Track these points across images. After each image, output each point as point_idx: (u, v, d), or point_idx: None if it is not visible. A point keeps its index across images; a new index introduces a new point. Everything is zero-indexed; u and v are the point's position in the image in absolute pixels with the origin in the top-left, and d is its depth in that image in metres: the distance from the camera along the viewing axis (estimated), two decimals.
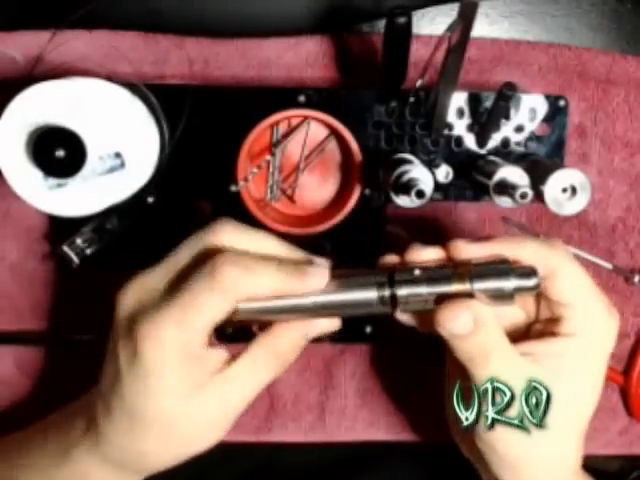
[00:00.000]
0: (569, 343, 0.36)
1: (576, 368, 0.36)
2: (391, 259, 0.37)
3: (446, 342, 0.35)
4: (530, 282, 0.34)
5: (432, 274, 0.34)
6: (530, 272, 0.34)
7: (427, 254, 0.36)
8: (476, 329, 0.34)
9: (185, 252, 0.35)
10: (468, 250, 0.35)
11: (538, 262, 0.35)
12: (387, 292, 0.34)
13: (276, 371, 0.35)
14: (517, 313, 0.39)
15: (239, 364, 0.34)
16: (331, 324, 0.36)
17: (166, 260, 0.35)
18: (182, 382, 0.33)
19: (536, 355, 0.35)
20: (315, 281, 0.34)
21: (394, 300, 0.34)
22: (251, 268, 0.33)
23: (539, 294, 0.37)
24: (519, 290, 0.34)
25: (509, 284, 0.34)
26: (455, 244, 0.35)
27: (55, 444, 0.38)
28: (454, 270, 0.35)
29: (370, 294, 0.34)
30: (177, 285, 0.33)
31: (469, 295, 0.34)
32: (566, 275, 0.36)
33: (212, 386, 0.34)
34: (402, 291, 0.34)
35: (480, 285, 0.34)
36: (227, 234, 0.34)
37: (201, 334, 0.33)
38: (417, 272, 0.34)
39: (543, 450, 0.36)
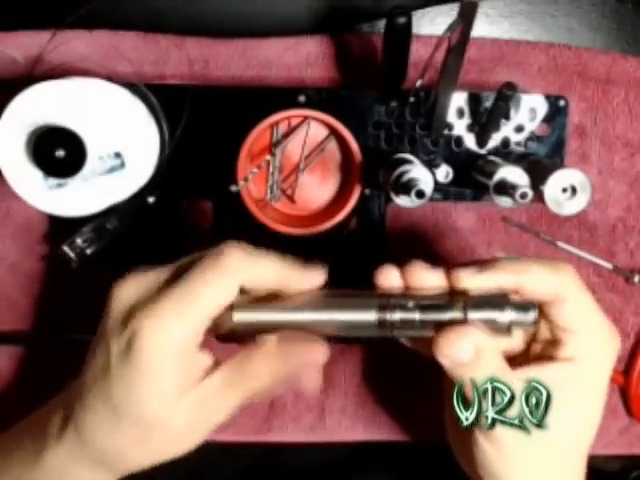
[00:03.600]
0: (569, 370, 0.35)
1: (576, 395, 0.35)
2: (390, 275, 0.35)
3: (445, 370, 0.34)
4: (527, 317, 0.33)
5: (426, 302, 0.34)
6: (528, 306, 0.34)
7: (428, 279, 0.35)
8: (477, 358, 0.33)
9: (188, 259, 0.35)
10: (471, 281, 0.34)
11: (543, 288, 0.34)
12: (384, 316, 0.34)
13: (252, 391, 0.34)
14: (516, 332, 0.38)
15: (214, 379, 0.34)
16: (319, 354, 0.34)
17: (167, 265, 0.35)
18: (171, 383, 0.33)
19: (543, 382, 0.34)
20: (314, 277, 0.34)
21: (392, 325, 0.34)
22: (255, 254, 0.33)
23: (541, 314, 0.35)
24: (516, 324, 0.33)
25: (505, 317, 0.33)
26: (457, 274, 0.34)
27: (31, 443, 0.37)
28: (450, 298, 0.34)
29: (369, 316, 0.34)
30: (179, 277, 0.33)
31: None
32: (572, 302, 0.35)
33: (193, 394, 0.33)
34: (395, 316, 0.34)
35: (475, 316, 0.33)
36: (235, 259, 0.34)
37: (201, 325, 0.32)
38: (410, 300, 0.34)
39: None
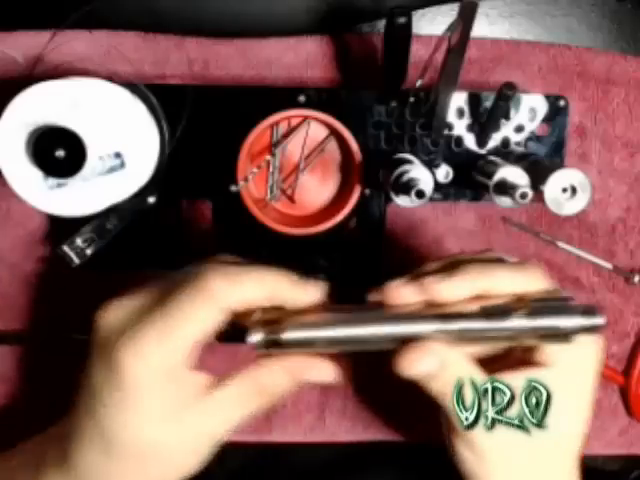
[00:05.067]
0: (549, 374, 0.34)
1: (559, 400, 0.34)
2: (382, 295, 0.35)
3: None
4: (596, 321, 0.32)
5: (489, 309, 0.33)
6: (594, 311, 0.32)
7: (405, 295, 0.33)
8: (442, 369, 0.33)
9: (172, 280, 0.34)
10: (440, 290, 0.33)
11: (511, 289, 0.33)
12: (446, 326, 0.33)
13: (261, 406, 0.34)
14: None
15: (224, 393, 0.33)
16: (325, 375, 0.34)
17: (149, 285, 0.34)
18: (161, 404, 0.32)
19: (514, 387, 0.34)
20: (310, 293, 0.34)
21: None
22: (236, 276, 0.32)
23: None
24: (582, 330, 0.32)
25: (571, 323, 0.32)
26: (427, 284, 0.33)
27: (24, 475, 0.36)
28: (513, 305, 0.33)
29: (430, 327, 0.33)
30: (159, 302, 0.32)
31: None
32: None
33: (191, 412, 0.32)
34: (456, 325, 0.33)
35: (540, 323, 0.32)
36: (215, 285, 0.32)
37: (185, 350, 0.32)
38: (474, 307, 0.33)
39: None
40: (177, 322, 0.31)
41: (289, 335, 0.33)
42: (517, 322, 0.32)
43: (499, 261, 0.36)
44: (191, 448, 0.33)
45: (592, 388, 0.36)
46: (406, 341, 0.33)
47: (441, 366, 0.33)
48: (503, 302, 0.33)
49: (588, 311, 0.32)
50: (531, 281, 0.34)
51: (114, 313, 0.33)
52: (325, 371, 0.34)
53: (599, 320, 0.32)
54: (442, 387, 0.33)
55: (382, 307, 0.34)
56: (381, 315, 0.34)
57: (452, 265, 0.34)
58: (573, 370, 0.35)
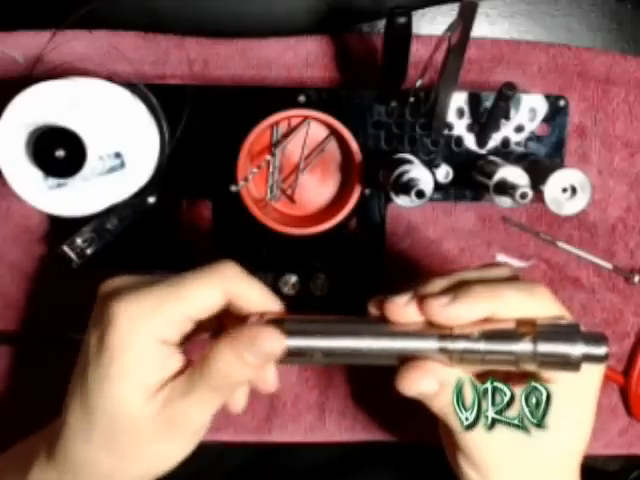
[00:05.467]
0: (551, 390, 0.34)
1: (559, 415, 0.34)
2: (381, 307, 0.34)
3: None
4: (599, 350, 0.32)
5: (493, 332, 0.32)
6: (599, 338, 0.32)
7: (408, 315, 0.33)
8: (441, 389, 0.33)
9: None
10: (445, 314, 0.32)
11: (519, 313, 0.33)
12: (446, 345, 0.32)
13: (217, 394, 0.33)
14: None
15: (177, 382, 0.32)
16: (271, 344, 0.32)
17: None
18: (144, 374, 0.32)
19: (516, 402, 0.34)
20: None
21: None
22: (248, 275, 0.34)
23: None
24: (586, 359, 0.32)
25: (576, 350, 0.32)
26: (430, 307, 0.33)
27: (16, 474, 0.36)
28: (518, 330, 0.32)
29: (430, 345, 0.33)
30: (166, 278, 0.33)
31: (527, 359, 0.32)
32: None
33: (161, 395, 0.32)
34: (458, 345, 0.32)
35: (545, 348, 0.32)
36: (229, 269, 0.34)
37: (179, 324, 0.32)
38: (475, 331, 0.32)
39: None
40: (178, 293, 0.32)
41: (287, 343, 0.33)
42: (521, 346, 0.32)
43: (506, 278, 0.35)
44: (166, 432, 0.33)
45: (594, 404, 0.35)
46: (407, 358, 0.33)
47: (441, 386, 0.33)
48: (508, 326, 0.33)
49: (593, 340, 0.32)
50: (540, 305, 0.33)
51: (121, 278, 0.34)
52: (271, 340, 0.32)
53: (603, 350, 0.32)
54: (443, 406, 0.34)
55: (383, 321, 0.34)
56: (382, 330, 0.33)
57: (458, 285, 0.34)
58: (575, 387, 0.35)
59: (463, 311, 0.32)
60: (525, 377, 0.35)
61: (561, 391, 0.34)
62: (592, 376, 0.35)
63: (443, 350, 0.32)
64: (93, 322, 0.33)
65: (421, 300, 0.33)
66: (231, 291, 0.33)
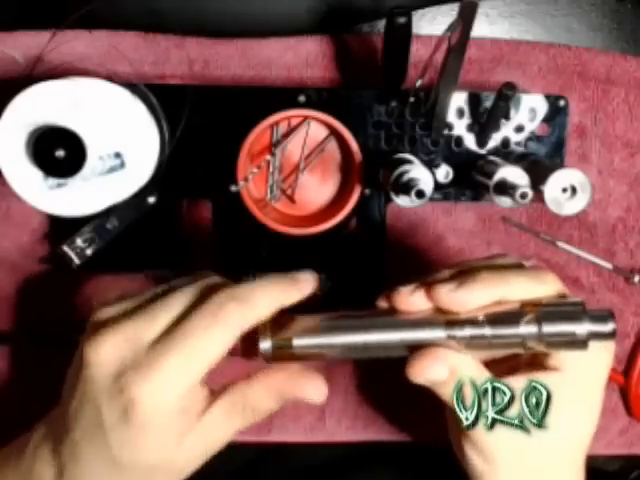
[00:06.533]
0: (556, 379, 0.34)
1: (567, 403, 0.34)
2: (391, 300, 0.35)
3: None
4: (605, 328, 0.32)
5: (499, 316, 0.33)
6: (606, 316, 0.32)
7: (416, 303, 0.34)
8: (452, 376, 0.33)
9: (151, 293, 0.34)
10: (452, 300, 0.33)
11: (528, 297, 0.33)
12: (454, 332, 0.33)
13: (251, 421, 0.34)
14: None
15: (214, 411, 0.33)
16: (316, 394, 0.34)
17: (146, 309, 0.33)
18: (173, 432, 0.32)
19: (517, 389, 0.34)
20: (307, 284, 0.35)
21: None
22: (246, 296, 0.32)
23: None
24: (593, 336, 0.32)
25: (581, 329, 0.32)
26: (437, 293, 0.33)
27: None
28: (522, 310, 0.33)
29: (438, 333, 0.33)
30: (169, 332, 0.32)
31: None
32: None
33: (193, 434, 0.33)
34: (465, 332, 0.33)
35: (550, 329, 0.32)
36: (231, 312, 0.33)
37: (199, 379, 0.32)
38: (481, 316, 0.33)
39: None
40: (193, 355, 0.31)
41: (299, 342, 0.33)
42: (526, 329, 0.32)
43: (513, 266, 0.36)
44: (194, 460, 0.34)
45: (601, 392, 0.36)
46: (416, 347, 0.33)
47: (451, 372, 0.33)
48: (512, 308, 0.33)
49: (599, 317, 0.32)
50: (546, 289, 0.34)
51: (115, 348, 0.32)
52: (315, 390, 0.34)
53: (610, 326, 0.32)
54: (452, 392, 0.34)
55: (391, 313, 0.34)
56: (391, 321, 0.34)
57: (465, 272, 0.34)
58: (583, 375, 0.35)
59: (470, 296, 0.33)
60: (536, 365, 0.35)
61: (568, 381, 0.34)
62: (600, 364, 0.35)
63: (451, 337, 0.33)
64: (103, 398, 0.32)
65: (428, 288, 0.33)
66: (243, 329, 0.32)
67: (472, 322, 0.33)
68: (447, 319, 0.33)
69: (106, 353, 0.32)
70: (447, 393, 0.34)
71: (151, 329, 0.32)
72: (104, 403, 0.31)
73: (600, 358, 0.35)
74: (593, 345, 0.33)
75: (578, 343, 0.32)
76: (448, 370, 0.33)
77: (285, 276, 0.35)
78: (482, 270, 0.34)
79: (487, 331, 0.32)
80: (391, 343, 0.33)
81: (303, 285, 0.34)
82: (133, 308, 0.33)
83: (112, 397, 0.31)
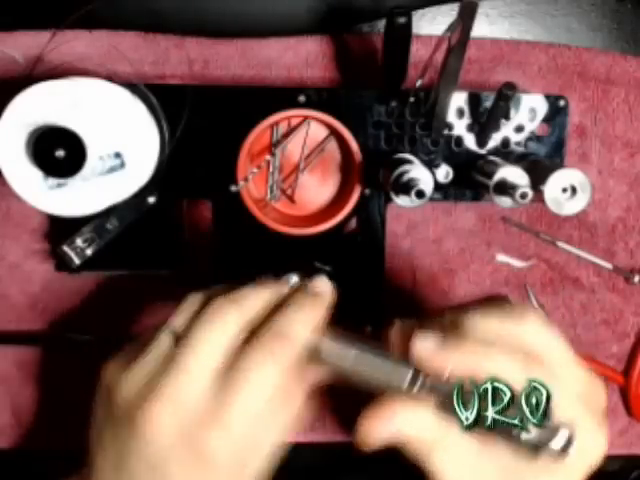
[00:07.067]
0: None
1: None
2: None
3: None
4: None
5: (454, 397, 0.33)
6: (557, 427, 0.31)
7: (397, 338, 0.35)
8: (406, 437, 0.34)
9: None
10: (432, 360, 0.33)
11: (507, 378, 0.32)
12: (416, 387, 0.33)
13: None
14: None
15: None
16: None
17: (176, 361, 0.33)
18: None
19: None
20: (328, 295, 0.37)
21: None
22: (239, 297, 0.34)
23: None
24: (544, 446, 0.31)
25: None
26: (419, 350, 0.33)
27: None
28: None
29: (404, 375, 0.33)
30: (219, 376, 0.32)
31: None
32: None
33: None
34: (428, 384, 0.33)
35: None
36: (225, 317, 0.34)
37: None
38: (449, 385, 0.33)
39: None
40: (252, 393, 0.33)
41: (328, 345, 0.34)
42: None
43: (506, 303, 0.36)
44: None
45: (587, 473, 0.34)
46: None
47: (415, 430, 0.34)
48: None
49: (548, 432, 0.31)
50: (529, 374, 0.33)
51: (166, 416, 0.32)
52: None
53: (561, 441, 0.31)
54: (413, 450, 0.34)
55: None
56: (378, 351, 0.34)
57: (455, 325, 0.34)
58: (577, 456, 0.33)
59: (445, 361, 0.33)
60: None
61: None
62: (591, 453, 0.34)
63: (412, 384, 0.33)
64: (123, 432, 0.32)
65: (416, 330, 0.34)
66: (242, 328, 0.34)
67: (439, 382, 0.33)
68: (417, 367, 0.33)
69: (165, 423, 0.31)
70: (408, 448, 0.34)
71: (195, 384, 0.32)
72: (175, 465, 0.32)
73: (597, 441, 0.34)
74: (594, 427, 0.33)
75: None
76: (397, 432, 0.33)
77: (312, 297, 0.36)
78: (469, 338, 0.33)
79: (447, 389, 0.32)
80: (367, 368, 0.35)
81: (327, 298, 0.37)
82: (157, 364, 0.33)
83: (183, 457, 0.32)
